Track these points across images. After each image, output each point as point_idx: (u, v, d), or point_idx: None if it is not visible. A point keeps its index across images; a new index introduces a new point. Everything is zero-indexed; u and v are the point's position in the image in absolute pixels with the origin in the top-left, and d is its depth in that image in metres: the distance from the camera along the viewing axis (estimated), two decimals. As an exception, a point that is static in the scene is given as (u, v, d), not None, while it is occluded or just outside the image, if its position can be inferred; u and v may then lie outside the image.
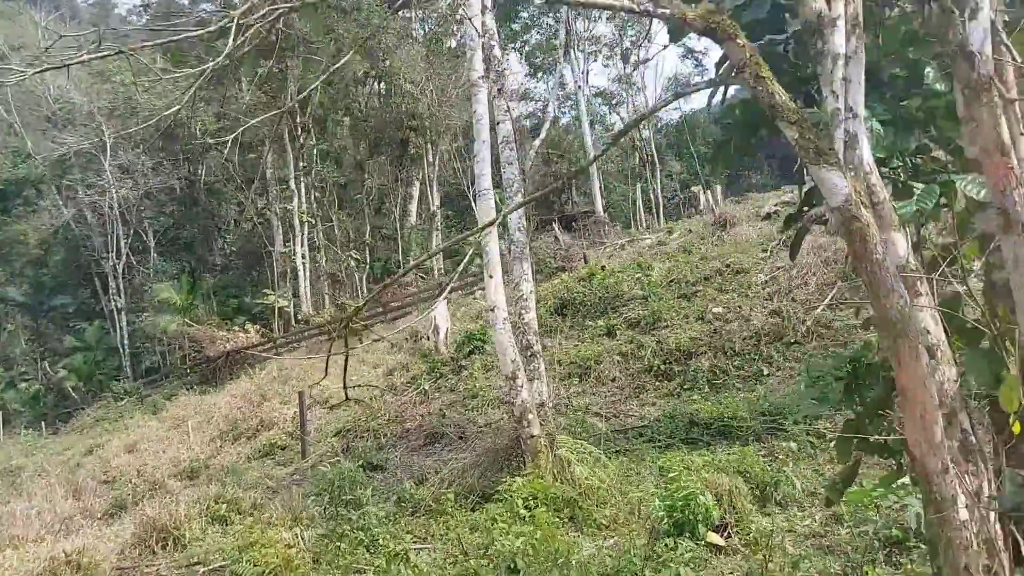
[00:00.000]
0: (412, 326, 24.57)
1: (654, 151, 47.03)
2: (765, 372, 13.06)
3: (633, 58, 54.30)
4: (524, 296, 10.04)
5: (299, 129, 41.38)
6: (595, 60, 51.70)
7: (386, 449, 14.70)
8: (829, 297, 14.32)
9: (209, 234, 47.79)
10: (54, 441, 30.35)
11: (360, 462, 13.59)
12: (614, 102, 55.50)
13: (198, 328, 36.21)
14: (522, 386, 9.18)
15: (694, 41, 63.52)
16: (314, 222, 42.01)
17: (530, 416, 9.19)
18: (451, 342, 18.93)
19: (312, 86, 38.94)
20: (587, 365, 15.58)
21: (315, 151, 42.46)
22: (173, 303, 38.43)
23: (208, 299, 41.76)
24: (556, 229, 29.15)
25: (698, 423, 11.69)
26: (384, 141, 44.82)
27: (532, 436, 9.16)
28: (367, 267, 43.50)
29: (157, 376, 38.95)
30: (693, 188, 26.76)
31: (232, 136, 34.87)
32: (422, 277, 40.79)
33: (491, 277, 9.08)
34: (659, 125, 52.97)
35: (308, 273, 40.69)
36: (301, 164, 41.33)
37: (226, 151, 43.06)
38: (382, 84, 47.35)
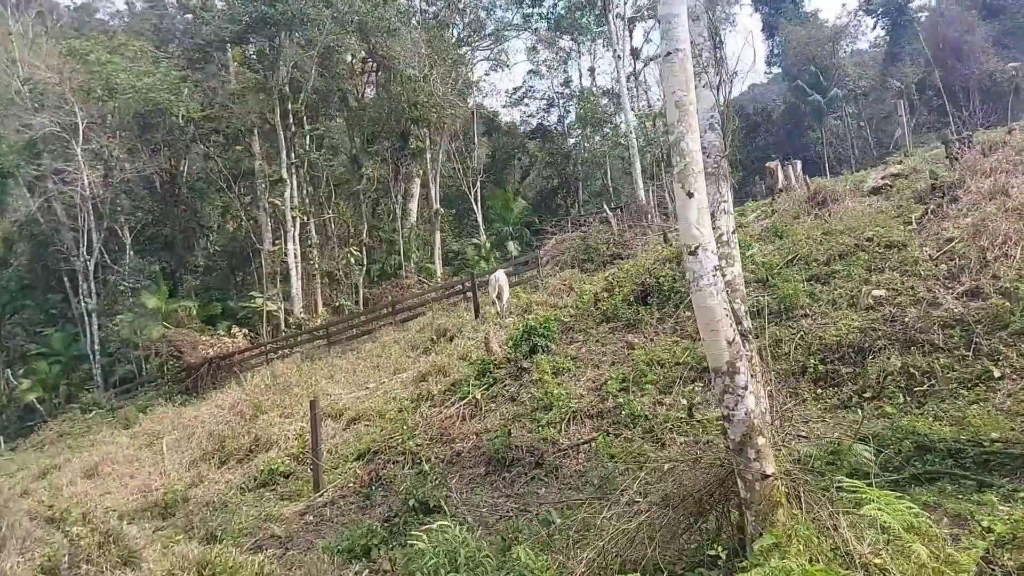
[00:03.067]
0: (433, 322, 20.64)
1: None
2: (996, 373, 9.11)
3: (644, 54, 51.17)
4: (724, 237, 6.06)
5: (291, 117, 37.58)
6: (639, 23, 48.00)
7: (433, 478, 10.61)
8: (1059, 271, 10.53)
9: (191, 232, 43.88)
10: (10, 459, 25.98)
11: (407, 499, 9.52)
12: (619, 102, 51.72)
13: (177, 332, 32.16)
14: (746, 387, 5.18)
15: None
16: (306, 219, 38.06)
17: (759, 441, 5.19)
18: (505, 339, 14.89)
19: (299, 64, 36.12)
20: (703, 367, 11.62)
21: (309, 137, 38.42)
22: (151, 306, 34.36)
23: (190, 302, 37.61)
24: (607, 213, 25.24)
25: (933, 449, 7.75)
26: (382, 133, 41.08)
27: (765, 476, 5.13)
28: (364, 268, 39.70)
29: (132, 386, 34.70)
30: (769, 164, 22.81)
31: (218, 124, 31.29)
32: (424, 280, 37.23)
33: (690, 195, 5.08)
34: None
35: (300, 273, 36.76)
36: (293, 155, 37.45)
37: (210, 143, 40.03)
38: (380, 73, 43.71)
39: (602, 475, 9.28)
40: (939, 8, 58.06)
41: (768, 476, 5.27)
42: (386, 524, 9.03)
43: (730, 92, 8.00)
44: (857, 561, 4.87)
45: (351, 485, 11.76)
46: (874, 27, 63.01)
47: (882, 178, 17.75)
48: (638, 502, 6.05)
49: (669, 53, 5.39)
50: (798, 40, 56.03)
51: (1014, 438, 7.59)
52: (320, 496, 11.71)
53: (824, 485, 5.49)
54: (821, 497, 5.34)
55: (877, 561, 4.87)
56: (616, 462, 9.74)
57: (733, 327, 5.34)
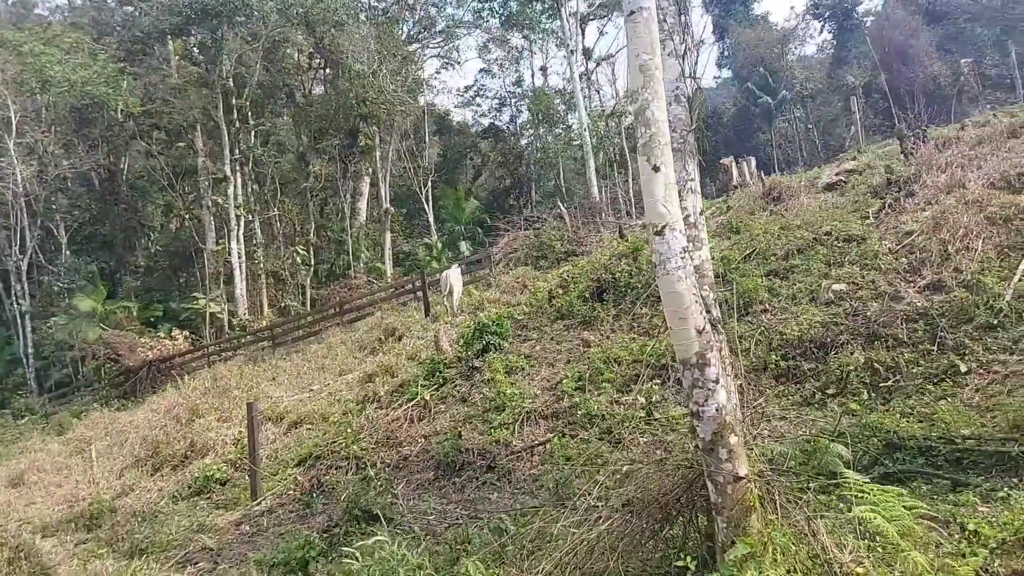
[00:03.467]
0: (381, 322, 19.97)
1: (625, 149, 43.25)
2: (962, 368, 8.79)
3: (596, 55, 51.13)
4: (692, 218, 5.57)
5: (235, 113, 36.49)
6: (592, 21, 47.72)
7: (377, 485, 9.98)
8: (1023, 262, 10.26)
9: (132, 232, 42.46)
10: (-63, 469, 24.54)
11: (350, 507, 8.88)
12: (571, 101, 51.45)
13: (114, 334, 30.96)
14: (717, 381, 4.70)
15: (660, 37, 61.03)
16: (251, 217, 36.98)
17: (732, 440, 4.71)
18: (456, 337, 14.29)
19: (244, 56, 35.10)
20: (661, 364, 11.17)
21: (254, 133, 37.35)
22: (84, 308, 33.00)
23: (129, 303, 36.26)
24: (562, 209, 24.78)
25: (903, 447, 7.37)
26: (330, 130, 40.16)
27: (738, 479, 4.67)
28: (311, 268, 38.72)
29: (68, 390, 33.24)
30: (723, 160, 22.58)
31: (159, 119, 30.21)
32: (374, 280, 36.39)
33: (656, 169, 4.58)
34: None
35: (245, 273, 35.67)
36: (238, 151, 36.36)
37: (152, 139, 38.74)
38: (328, 69, 42.85)
39: (558, 479, 8.73)
40: (884, 12, 58.91)
41: (741, 478, 4.79)
42: (325, 535, 8.38)
43: (696, 61, 7.55)
44: (838, 571, 4.41)
45: (291, 492, 11.07)
46: (821, 31, 63.85)
47: (836, 174, 17.59)
48: (598, 507, 5.52)
49: (633, 12, 4.88)
50: (748, 42, 56.40)
51: (987, 435, 7.25)
52: (257, 504, 10.99)
53: (799, 486, 5.02)
54: (798, 500, 4.88)
55: (860, 571, 4.42)
56: (572, 464, 9.22)
57: (703, 315, 4.85)
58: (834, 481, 4.86)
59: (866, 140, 40.76)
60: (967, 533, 5.08)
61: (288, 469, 12.12)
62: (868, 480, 6.36)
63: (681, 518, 5.16)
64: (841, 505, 5.24)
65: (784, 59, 56.88)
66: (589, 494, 7.00)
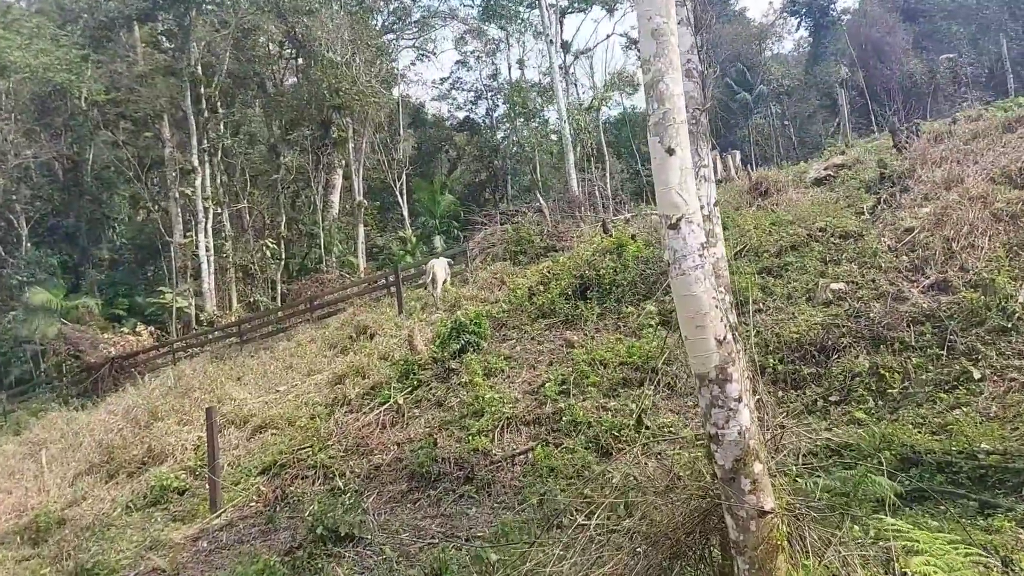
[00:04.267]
0: (353, 319, 19.18)
1: (603, 144, 42.72)
2: (975, 374, 8.22)
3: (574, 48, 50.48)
4: (705, 210, 4.89)
5: (204, 102, 35.41)
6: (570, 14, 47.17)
7: (347, 498, 9.24)
8: (1036, 262, 9.74)
9: (96, 224, 41.08)
10: None
11: (315, 525, 8.12)
12: (549, 94, 50.71)
13: (76, 329, 29.89)
14: (740, 399, 4.02)
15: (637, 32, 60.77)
16: (220, 209, 35.96)
17: (756, 468, 4.04)
18: (431, 337, 13.54)
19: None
20: (649, 367, 10.52)
21: (224, 123, 36.30)
22: (37, 302, 31.84)
23: (93, 298, 35.12)
24: (541, 203, 24.04)
25: (919, 462, 6.77)
26: (302, 121, 39.18)
27: (763, 513, 3.99)
28: (282, 262, 37.73)
29: (28, 387, 32.04)
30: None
31: (125, 108, 29.16)
32: (346, 275, 35.51)
33: (671, 151, 3.88)
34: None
35: (213, 267, 34.63)
36: (206, 142, 35.30)
37: (118, 129, 37.53)
38: (300, 59, 41.87)
39: (542, 493, 8.08)
40: (862, 9, 58.83)
41: (767, 512, 4.11)
42: (288, 557, 7.64)
43: (710, 32, 6.86)
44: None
45: (253, 504, 10.30)
46: (798, 27, 63.65)
47: (825, 168, 17.07)
48: (590, 534, 4.83)
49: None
50: (726, 37, 56.01)
51: (1013, 450, 6.64)
52: (217, 517, 10.21)
53: (834, 523, 4.36)
54: (830, 540, 4.21)
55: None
56: (557, 477, 8.55)
57: (725, 322, 4.16)
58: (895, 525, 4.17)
59: (841, 139, 40.49)
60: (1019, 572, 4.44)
61: (251, 478, 11.33)
62: (878, 500, 5.73)
63: (692, 556, 4.48)
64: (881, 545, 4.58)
65: (762, 55, 56.62)
66: (577, 512, 6.33)
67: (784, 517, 4.17)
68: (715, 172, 20.96)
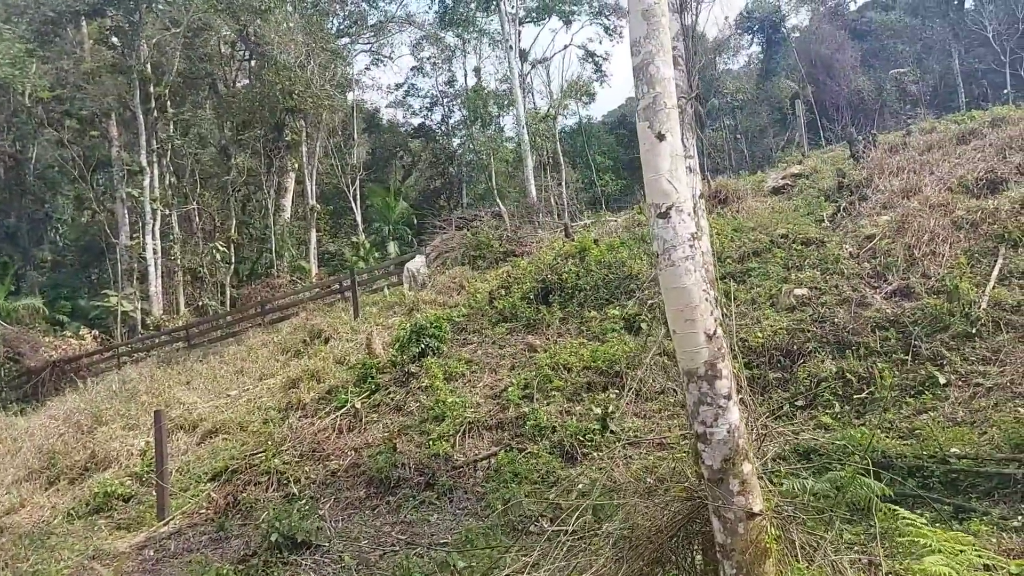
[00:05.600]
0: (306, 323, 18.76)
1: (559, 152, 42.82)
2: (941, 379, 8.23)
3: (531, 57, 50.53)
4: (691, 202, 4.73)
5: (153, 101, 34.56)
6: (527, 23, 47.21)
7: (302, 505, 8.91)
8: (997, 268, 9.80)
9: (38, 224, 39.90)
10: None
11: (269, 532, 7.79)
12: (505, 103, 50.65)
13: (16, 331, 28.93)
14: (729, 397, 3.87)
15: (594, 44, 61.07)
16: (168, 211, 35.10)
17: (745, 469, 3.89)
18: (389, 340, 13.22)
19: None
20: (613, 371, 10.38)
21: (174, 123, 35.49)
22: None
23: (34, 300, 33.96)
24: (500, 207, 23.86)
25: (890, 467, 6.70)
26: (255, 123, 38.48)
27: (752, 515, 3.83)
28: (232, 266, 36.95)
29: (-35, 392, 30.81)
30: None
31: (71, 106, 28.33)
32: (298, 280, 34.91)
33: (661, 137, 3.72)
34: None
35: (160, 270, 33.76)
36: (155, 142, 34.45)
37: (63, 127, 36.43)
38: (253, 60, 41.22)
39: (507, 499, 7.86)
40: (811, 27, 59.98)
41: (755, 515, 3.96)
42: (241, 566, 7.30)
43: (696, 17, 6.67)
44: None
45: (203, 511, 9.90)
46: (751, 44, 64.64)
47: (783, 178, 17.19)
48: (560, 539, 4.62)
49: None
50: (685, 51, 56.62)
51: (983, 455, 6.61)
52: (164, 525, 9.79)
53: (823, 524, 4.22)
54: (820, 543, 4.07)
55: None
56: (522, 482, 8.34)
57: (714, 316, 4.00)
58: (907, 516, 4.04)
59: (797, 148, 41.12)
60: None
61: (201, 484, 10.92)
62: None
63: (675, 560, 4.30)
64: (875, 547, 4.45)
65: (716, 68, 57.33)
66: (543, 517, 6.15)
67: (772, 520, 4.02)
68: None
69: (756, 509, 3.98)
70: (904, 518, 4.01)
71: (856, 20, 59.16)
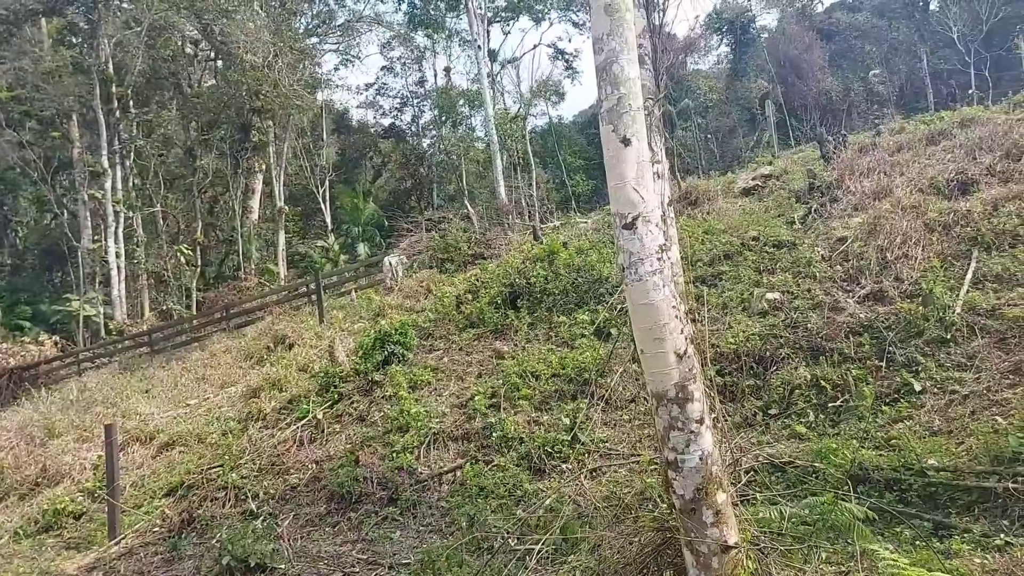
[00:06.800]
0: (271, 328, 18.31)
1: (529, 153, 42.57)
2: (916, 387, 8.04)
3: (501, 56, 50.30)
4: (660, 210, 4.45)
5: (115, 101, 33.82)
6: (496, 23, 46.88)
7: (262, 523, 8.54)
8: (970, 271, 9.65)
9: (-4, 227, 38.90)
10: None
11: (222, 556, 7.41)
12: (476, 103, 50.32)
13: (-29, 337, 28.18)
14: (701, 421, 3.58)
15: (564, 43, 60.94)
16: (132, 213, 34.36)
17: (719, 499, 3.61)
18: (353, 347, 12.85)
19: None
20: (583, 379, 10.10)
21: (137, 124, 34.77)
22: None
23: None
24: (469, 210, 23.51)
25: (866, 479, 6.48)
26: (221, 123, 37.82)
27: (726, 548, 3.55)
28: (198, 269, 36.26)
29: (-82, 402, 29.91)
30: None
31: (30, 106, 27.63)
32: (266, 283, 34.33)
33: (626, 142, 3.41)
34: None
35: (124, 273, 33.03)
36: (117, 142, 33.70)
37: (24, 129, 35.54)
38: (219, 60, 40.54)
39: (472, 514, 7.55)
40: (780, 28, 60.27)
41: (731, 547, 3.69)
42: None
43: (663, 13, 6.41)
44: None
45: (157, 529, 9.47)
46: (720, 44, 64.83)
47: (753, 179, 17.03)
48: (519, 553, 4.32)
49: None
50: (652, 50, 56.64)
51: (963, 467, 6.40)
52: (116, 545, 9.34)
53: (801, 558, 3.95)
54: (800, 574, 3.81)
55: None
56: (488, 497, 8.04)
57: (685, 334, 3.72)
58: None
59: (767, 148, 41.17)
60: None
61: (155, 500, 10.49)
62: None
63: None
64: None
65: (685, 68, 57.39)
66: (509, 535, 5.86)
67: (749, 552, 3.74)
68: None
69: (731, 541, 3.71)
70: (884, 559, 3.73)
71: (824, 21, 59.53)
